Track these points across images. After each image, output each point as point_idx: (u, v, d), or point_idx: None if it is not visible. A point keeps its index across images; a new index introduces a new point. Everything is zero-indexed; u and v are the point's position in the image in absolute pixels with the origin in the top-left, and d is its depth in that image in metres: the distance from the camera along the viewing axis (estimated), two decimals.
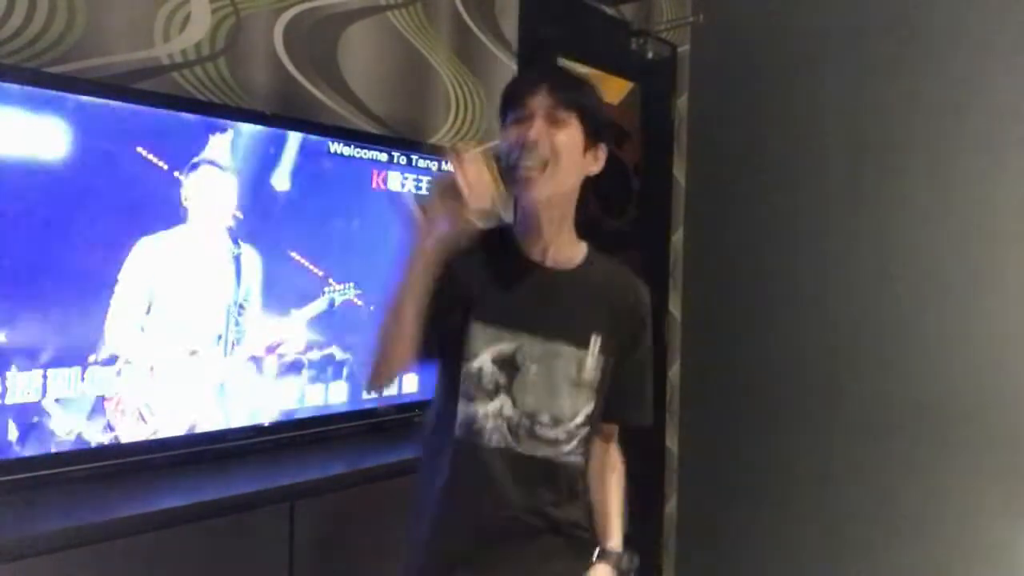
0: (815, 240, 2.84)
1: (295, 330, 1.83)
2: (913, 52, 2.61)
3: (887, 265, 2.67)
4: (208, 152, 1.64)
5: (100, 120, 1.49)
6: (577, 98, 1.31)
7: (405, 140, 2.13)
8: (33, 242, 1.42)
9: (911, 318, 2.61)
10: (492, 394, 1.31)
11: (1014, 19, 2.42)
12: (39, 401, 1.44)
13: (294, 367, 1.84)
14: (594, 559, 1.42)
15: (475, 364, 1.31)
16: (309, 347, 1.86)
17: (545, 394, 1.32)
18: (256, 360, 1.77)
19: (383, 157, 1.99)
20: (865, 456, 2.70)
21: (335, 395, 1.94)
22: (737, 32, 3.03)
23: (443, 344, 1.33)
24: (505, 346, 1.32)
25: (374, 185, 1.97)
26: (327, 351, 1.90)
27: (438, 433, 1.37)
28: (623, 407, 1.45)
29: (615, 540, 1.47)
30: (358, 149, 1.93)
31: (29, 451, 1.44)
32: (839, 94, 2.78)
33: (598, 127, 1.34)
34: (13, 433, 1.42)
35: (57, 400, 1.46)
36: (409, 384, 2.11)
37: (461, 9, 2.38)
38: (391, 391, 2.06)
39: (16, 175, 1.39)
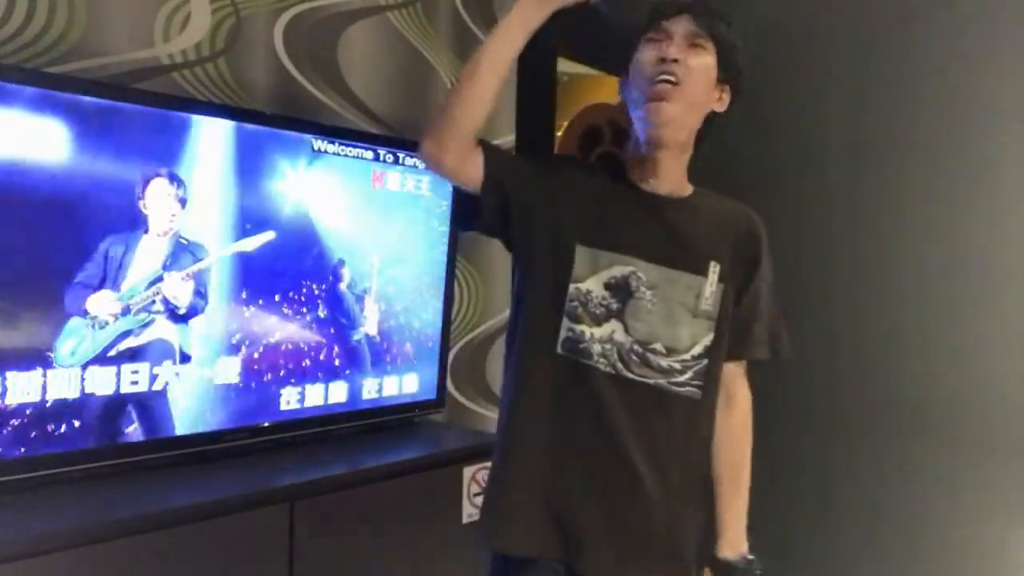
0: (814, 240, 2.84)
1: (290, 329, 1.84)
2: (914, 52, 2.61)
3: (887, 266, 2.67)
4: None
5: (99, 120, 1.49)
6: (717, 27, 1.31)
7: (406, 140, 2.13)
8: (30, 240, 1.42)
9: (911, 320, 2.61)
10: (602, 319, 1.27)
11: (1016, 19, 2.42)
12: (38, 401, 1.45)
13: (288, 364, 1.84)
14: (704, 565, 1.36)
15: (584, 286, 1.27)
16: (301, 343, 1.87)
17: (661, 322, 1.28)
18: (251, 357, 1.77)
19: (386, 157, 1.99)
20: (865, 457, 2.70)
21: (334, 395, 1.94)
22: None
23: (539, 259, 1.30)
24: (618, 271, 1.28)
25: (374, 186, 1.97)
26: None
27: (531, 350, 1.30)
28: (743, 342, 1.38)
29: (731, 537, 1.37)
30: (358, 149, 1.93)
31: (28, 451, 1.44)
32: (838, 95, 2.78)
33: (731, 64, 1.33)
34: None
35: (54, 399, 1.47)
36: (409, 384, 2.11)
37: (461, 9, 2.38)
38: (391, 390, 2.06)
39: (14, 174, 1.39)
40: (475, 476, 1.91)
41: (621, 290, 1.28)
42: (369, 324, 1.99)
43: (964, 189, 2.51)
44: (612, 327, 1.27)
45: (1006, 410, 2.43)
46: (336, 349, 1.92)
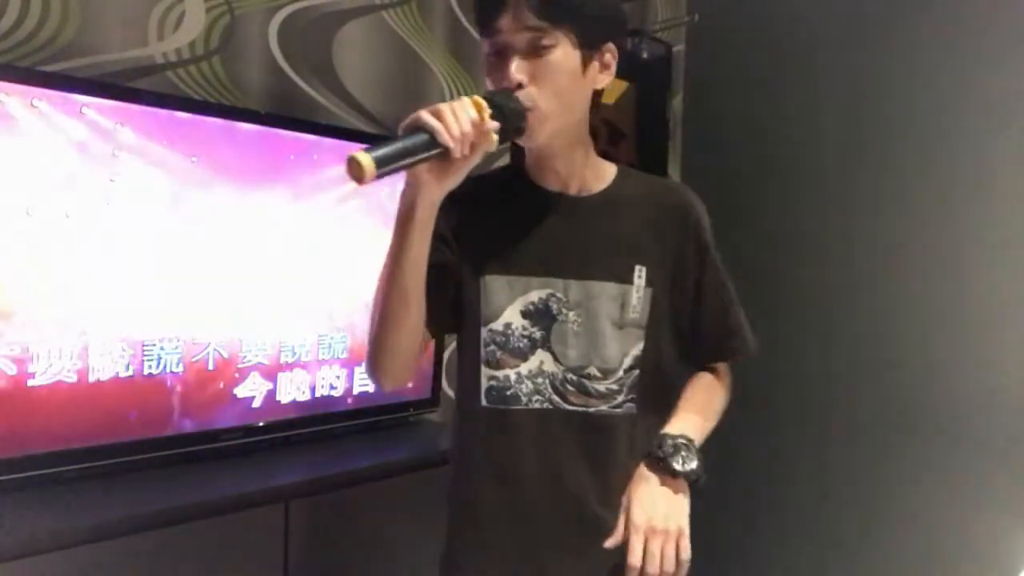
0: (811, 240, 2.85)
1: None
2: (910, 51, 2.61)
3: (884, 265, 2.68)
4: None
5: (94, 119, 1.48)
6: (558, 11, 1.05)
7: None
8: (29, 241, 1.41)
9: (908, 318, 2.62)
10: (526, 353, 1.15)
11: (1010, 17, 2.43)
12: None
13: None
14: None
15: (500, 324, 1.15)
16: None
17: (589, 343, 1.16)
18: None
19: None
20: (863, 458, 2.70)
21: (330, 394, 1.93)
22: (732, 31, 3.04)
23: (458, 310, 1.17)
24: (534, 295, 1.15)
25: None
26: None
27: (463, 408, 1.22)
28: (720, 340, 1.25)
29: (675, 428, 1.15)
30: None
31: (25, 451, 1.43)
32: (835, 93, 2.78)
33: (599, 31, 1.11)
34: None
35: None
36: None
37: (456, 8, 2.37)
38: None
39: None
40: None
41: (542, 316, 1.16)
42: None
43: (963, 188, 2.52)
44: (540, 358, 1.16)
45: (1006, 410, 2.43)
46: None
